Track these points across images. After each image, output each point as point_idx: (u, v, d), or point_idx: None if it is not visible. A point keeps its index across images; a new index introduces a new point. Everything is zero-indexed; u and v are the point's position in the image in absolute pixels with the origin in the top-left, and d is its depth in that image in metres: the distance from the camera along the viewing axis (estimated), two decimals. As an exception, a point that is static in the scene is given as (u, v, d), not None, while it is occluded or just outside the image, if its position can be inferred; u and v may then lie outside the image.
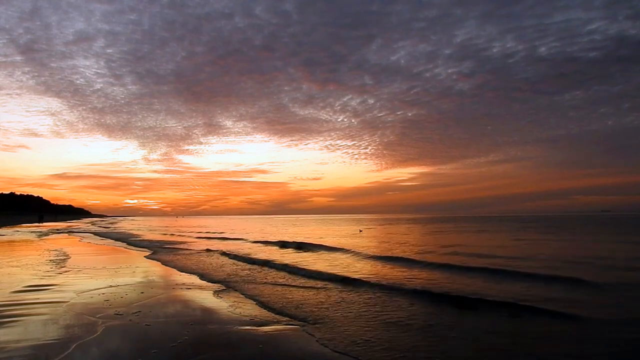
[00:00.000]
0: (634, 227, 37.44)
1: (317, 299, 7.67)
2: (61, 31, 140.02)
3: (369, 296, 7.85)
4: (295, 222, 69.23)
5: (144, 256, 15.44)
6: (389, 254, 14.70)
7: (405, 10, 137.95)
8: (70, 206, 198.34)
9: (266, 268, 12.05)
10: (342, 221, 74.91)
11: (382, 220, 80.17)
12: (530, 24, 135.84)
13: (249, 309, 6.89)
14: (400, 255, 14.13)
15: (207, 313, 6.56)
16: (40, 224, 57.59)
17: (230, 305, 7.10)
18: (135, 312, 6.46)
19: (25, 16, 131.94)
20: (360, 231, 34.23)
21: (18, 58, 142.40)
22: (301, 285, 9.17)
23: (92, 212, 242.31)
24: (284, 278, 10.16)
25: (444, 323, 5.91)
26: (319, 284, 9.30)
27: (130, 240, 23.84)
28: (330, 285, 9.09)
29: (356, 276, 9.81)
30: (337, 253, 15.88)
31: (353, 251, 15.76)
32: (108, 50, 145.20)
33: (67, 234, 31.85)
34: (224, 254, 16.07)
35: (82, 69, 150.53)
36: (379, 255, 14.36)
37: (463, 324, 5.88)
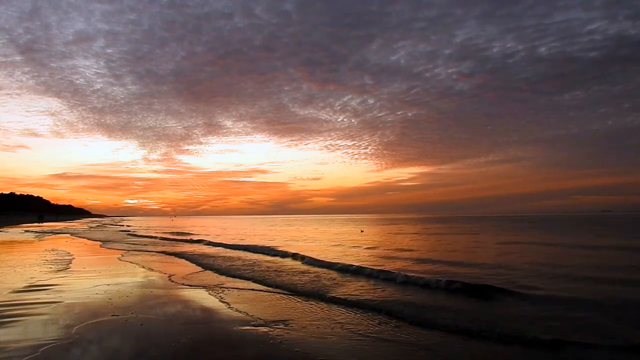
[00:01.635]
0: (628, 228, 37.34)
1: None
2: (61, 31, 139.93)
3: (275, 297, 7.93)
4: (292, 223, 69.42)
5: (117, 257, 15.51)
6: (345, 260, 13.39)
7: (405, 10, 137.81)
8: (70, 206, 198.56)
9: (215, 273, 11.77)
10: (341, 221, 75.03)
11: (381, 220, 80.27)
12: (530, 24, 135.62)
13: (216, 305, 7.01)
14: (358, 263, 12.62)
15: (183, 310, 6.70)
16: (41, 224, 57.70)
17: (193, 303, 7.19)
18: (133, 312, 6.55)
19: (25, 16, 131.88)
20: (362, 231, 34.40)
21: (18, 58, 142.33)
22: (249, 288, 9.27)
23: (92, 212, 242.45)
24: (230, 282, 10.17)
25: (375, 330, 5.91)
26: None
27: (110, 244, 23.85)
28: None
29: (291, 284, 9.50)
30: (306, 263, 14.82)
31: (310, 257, 14.54)
32: (108, 50, 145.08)
33: (52, 235, 31.88)
34: (184, 257, 15.88)
35: (82, 69, 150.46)
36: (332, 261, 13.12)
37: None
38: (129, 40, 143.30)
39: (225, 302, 7.44)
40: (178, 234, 33.67)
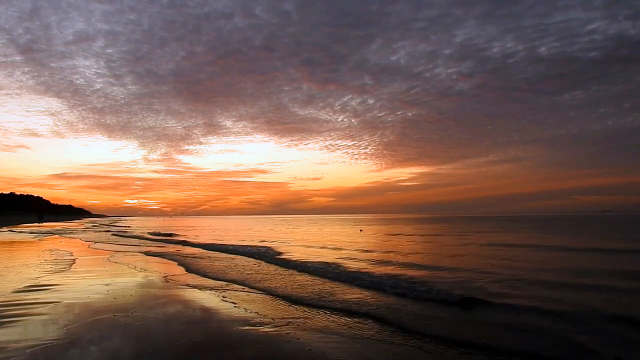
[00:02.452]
0: (627, 229, 37.32)
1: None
2: (61, 31, 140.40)
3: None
4: (286, 223, 69.54)
5: (141, 252, 15.49)
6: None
7: (405, 10, 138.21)
8: (70, 206, 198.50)
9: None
10: (337, 221, 75.08)
11: (379, 220, 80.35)
12: (530, 24, 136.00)
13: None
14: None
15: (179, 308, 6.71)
16: (41, 224, 57.74)
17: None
18: (132, 312, 6.58)
19: (25, 16, 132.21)
20: (361, 230, 34.67)
21: (18, 58, 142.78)
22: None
23: (92, 212, 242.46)
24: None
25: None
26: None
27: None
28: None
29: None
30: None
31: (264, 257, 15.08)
32: (108, 50, 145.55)
33: (52, 235, 31.90)
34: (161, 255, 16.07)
35: (82, 69, 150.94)
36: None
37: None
38: (129, 40, 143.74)
39: (225, 302, 7.47)
40: (170, 234, 33.55)
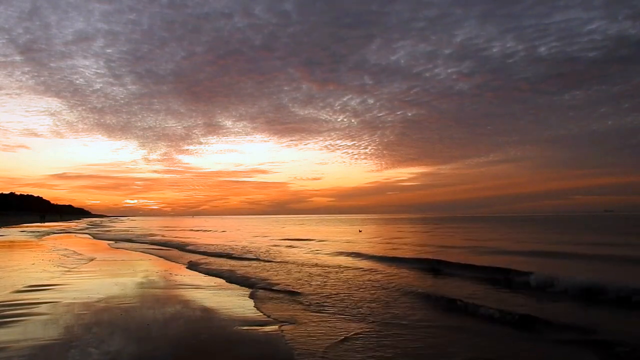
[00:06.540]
0: (609, 228, 37.20)
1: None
2: (60, 31, 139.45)
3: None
4: (279, 223, 69.37)
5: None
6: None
7: (405, 10, 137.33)
8: (70, 206, 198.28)
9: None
10: (339, 221, 75.02)
11: (372, 220, 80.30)
12: (530, 24, 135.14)
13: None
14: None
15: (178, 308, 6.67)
16: (43, 224, 57.74)
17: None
18: (135, 311, 6.55)
19: (24, 16, 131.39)
20: (360, 231, 34.75)
21: (17, 58, 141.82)
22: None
23: (92, 212, 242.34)
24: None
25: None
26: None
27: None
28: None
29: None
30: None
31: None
32: (107, 50, 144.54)
33: (52, 235, 31.85)
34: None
35: (81, 69, 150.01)
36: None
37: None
38: (129, 40, 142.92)
39: (224, 302, 7.47)
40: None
